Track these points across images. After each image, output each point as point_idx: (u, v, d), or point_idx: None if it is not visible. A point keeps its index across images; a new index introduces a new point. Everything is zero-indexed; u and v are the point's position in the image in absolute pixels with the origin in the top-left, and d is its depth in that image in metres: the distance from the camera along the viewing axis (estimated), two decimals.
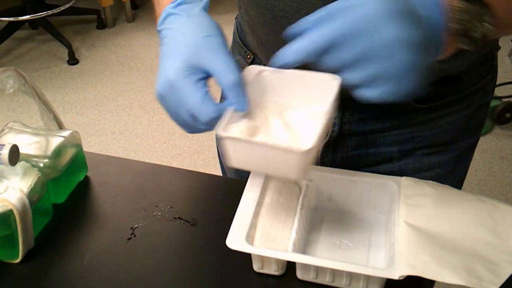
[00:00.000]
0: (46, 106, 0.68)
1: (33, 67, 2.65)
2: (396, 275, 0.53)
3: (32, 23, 2.90)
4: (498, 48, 0.77)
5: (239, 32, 0.81)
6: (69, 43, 2.64)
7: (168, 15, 0.58)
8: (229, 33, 0.80)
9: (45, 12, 2.67)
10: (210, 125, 0.53)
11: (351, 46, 0.44)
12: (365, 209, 0.65)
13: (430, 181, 0.63)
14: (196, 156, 2.12)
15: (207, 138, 2.19)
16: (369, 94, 0.46)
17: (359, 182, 0.64)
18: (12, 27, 2.71)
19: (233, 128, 0.52)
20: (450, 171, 0.77)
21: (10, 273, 0.60)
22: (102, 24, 2.94)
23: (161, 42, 0.58)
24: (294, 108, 0.56)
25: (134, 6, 3.09)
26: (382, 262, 0.56)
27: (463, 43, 0.49)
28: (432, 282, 0.54)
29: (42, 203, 0.63)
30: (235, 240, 0.56)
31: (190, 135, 2.20)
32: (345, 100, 0.69)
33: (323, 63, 0.47)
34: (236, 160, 0.52)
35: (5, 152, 0.56)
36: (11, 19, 2.63)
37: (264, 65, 0.72)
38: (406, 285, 0.55)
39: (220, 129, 0.51)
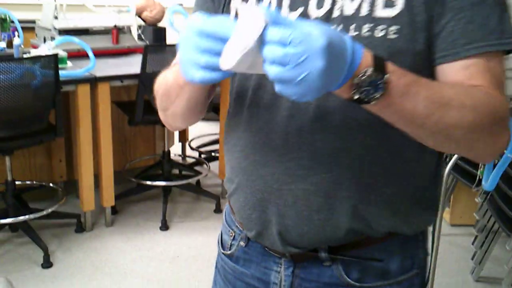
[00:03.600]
0: None
1: (6, 269, 2.65)
2: None
3: (12, 226, 2.97)
4: (426, 253, 0.94)
5: (226, 217, 1.06)
6: (46, 246, 2.70)
7: None
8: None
9: (27, 216, 2.77)
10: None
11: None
12: None
13: None
14: None
15: None
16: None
17: None
18: None
19: None
20: None
21: None
22: (80, 228, 3.03)
23: None
24: None
25: (114, 211, 3.22)
26: None
27: (354, 92, 0.67)
28: None
29: None
30: None
31: None
32: (295, 267, 0.92)
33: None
34: None
35: None
36: None
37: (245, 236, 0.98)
38: None
39: None
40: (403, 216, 0.88)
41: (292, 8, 0.82)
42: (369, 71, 0.66)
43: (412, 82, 0.70)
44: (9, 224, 2.89)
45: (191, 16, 0.77)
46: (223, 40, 0.64)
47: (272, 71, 0.62)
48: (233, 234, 1.01)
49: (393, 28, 0.76)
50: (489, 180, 2.06)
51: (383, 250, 0.89)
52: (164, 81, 0.90)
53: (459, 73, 0.77)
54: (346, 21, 0.78)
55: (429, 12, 0.76)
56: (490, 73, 0.77)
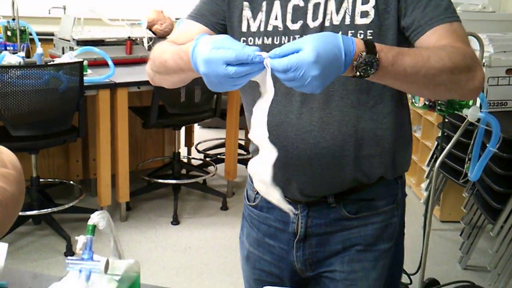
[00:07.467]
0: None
1: (31, 257, 2.88)
2: None
3: (35, 219, 3.19)
4: (404, 194, 1.27)
5: (250, 176, 1.25)
6: (69, 236, 2.93)
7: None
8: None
9: (50, 209, 3.01)
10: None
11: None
12: None
13: None
14: None
15: None
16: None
17: None
18: (17, 222, 3.01)
19: None
20: (373, 266, 1.20)
21: None
22: None
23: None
24: None
25: (128, 208, 3.46)
26: None
27: (355, 71, 0.92)
28: None
29: None
30: None
31: None
32: (309, 210, 1.20)
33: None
34: None
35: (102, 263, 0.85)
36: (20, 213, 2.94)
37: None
38: None
39: None
40: (389, 165, 1.19)
41: (294, 21, 1.12)
42: (363, 55, 0.91)
43: (397, 54, 0.97)
44: (33, 217, 3.12)
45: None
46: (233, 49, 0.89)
47: (288, 84, 0.91)
48: (256, 190, 1.25)
49: (369, 31, 1.07)
50: (474, 172, 2.33)
51: (374, 192, 1.20)
52: (162, 59, 1.11)
53: (429, 38, 1.05)
54: (335, 28, 1.08)
55: (397, 13, 1.06)
56: (454, 34, 1.06)
